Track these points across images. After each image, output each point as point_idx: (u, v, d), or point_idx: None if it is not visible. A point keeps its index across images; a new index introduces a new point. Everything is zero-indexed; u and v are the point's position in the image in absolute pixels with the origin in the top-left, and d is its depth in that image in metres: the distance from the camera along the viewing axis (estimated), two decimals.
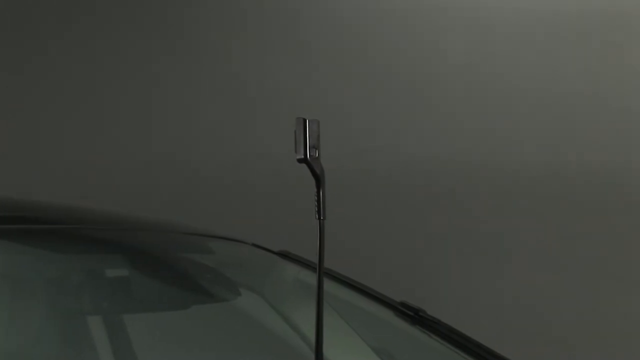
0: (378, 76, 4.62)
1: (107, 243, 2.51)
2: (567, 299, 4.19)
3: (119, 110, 4.72)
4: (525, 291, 4.23)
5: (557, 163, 4.59)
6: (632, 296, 4.18)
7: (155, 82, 4.73)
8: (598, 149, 4.32)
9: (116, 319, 2.46)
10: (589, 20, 4.58)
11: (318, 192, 1.15)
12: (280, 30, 4.62)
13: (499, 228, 4.31)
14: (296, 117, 1.17)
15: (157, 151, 4.68)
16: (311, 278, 2.36)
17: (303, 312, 2.49)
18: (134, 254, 2.53)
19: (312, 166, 1.16)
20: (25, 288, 2.39)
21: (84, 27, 4.70)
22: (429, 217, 4.36)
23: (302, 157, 1.15)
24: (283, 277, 2.65)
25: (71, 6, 4.71)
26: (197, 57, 4.75)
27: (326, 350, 1.22)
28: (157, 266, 2.54)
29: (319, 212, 1.14)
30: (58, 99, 4.69)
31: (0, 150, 4.66)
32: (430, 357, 2.57)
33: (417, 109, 4.65)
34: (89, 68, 4.72)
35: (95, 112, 4.70)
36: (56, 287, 2.39)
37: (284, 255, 2.60)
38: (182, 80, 4.75)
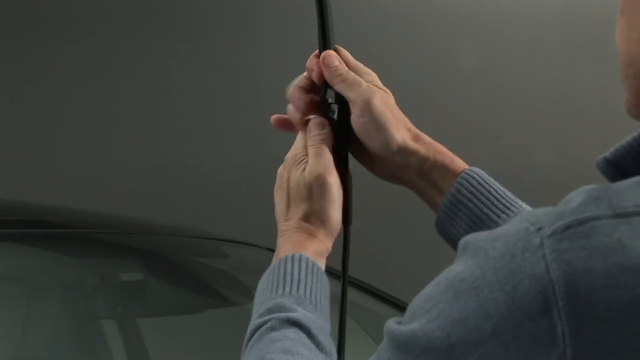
0: (390, 80, 4.62)
1: (124, 247, 2.52)
2: None
3: (131, 115, 4.74)
4: None
5: (570, 166, 4.58)
6: None
7: (167, 86, 4.75)
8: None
9: (131, 322, 2.46)
10: (600, 24, 4.58)
11: (345, 198, 1.14)
12: (292, 33, 4.63)
13: None
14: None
15: (170, 155, 4.69)
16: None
17: None
18: (149, 259, 2.53)
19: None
20: (40, 291, 2.40)
21: (96, 32, 4.72)
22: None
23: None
24: None
25: (83, 13, 4.73)
26: (208, 59, 4.76)
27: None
28: (172, 270, 2.55)
29: (345, 217, 1.13)
30: (70, 105, 4.70)
31: (14, 156, 4.68)
32: None
33: (428, 112, 4.65)
34: (101, 74, 4.73)
35: (108, 117, 4.71)
36: (71, 290, 2.40)
37: None
38: (193, 83, 4.76)
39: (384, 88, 1.16)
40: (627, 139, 0.81)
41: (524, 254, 0.71)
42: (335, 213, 1.10)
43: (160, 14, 4.78)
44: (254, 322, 1.02)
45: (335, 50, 1.16)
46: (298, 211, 1.09)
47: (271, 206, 1.15)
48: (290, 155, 1.14)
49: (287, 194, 1.11)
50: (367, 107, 1.12)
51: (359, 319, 2.46)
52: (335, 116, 1.15)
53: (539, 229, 0.72)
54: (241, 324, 2.65)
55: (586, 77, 4.69)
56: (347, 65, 1.15)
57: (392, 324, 0.78)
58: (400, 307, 2.63)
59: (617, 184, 0.75)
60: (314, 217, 1.09)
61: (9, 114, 4.78)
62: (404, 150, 1.13)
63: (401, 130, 1.14)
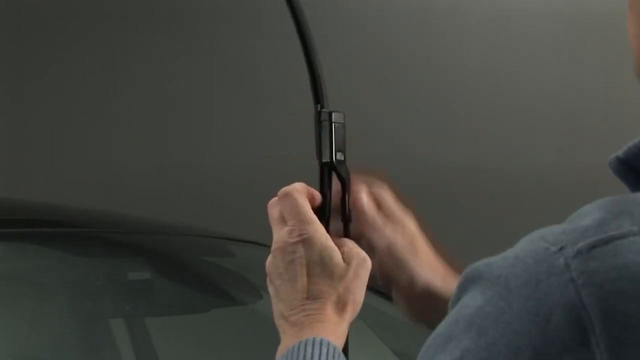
0: (394, 78, 4.62)
1: (131, 246, 2.52)
2: None
3: (134, 114, 4.73)
4: None
5: (571, 166, 4.58)
6: None
7: (168, 85, 4.74)
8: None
9: (139, 322, 2.46)
10: (605, 23, 4.58)
11: (344, 196, 1.13)
12: (295, 34, 4.62)
13: (516, 231, 4.30)
14: (322, 119, 1.14)
15: (172, 155, 4.69)
16: None
17: None
18: (156, 258, 2.53)
19: (338, 170, 1.14)
20: (46, 291, 2.40)
21: (97, 32, 4.71)
22: (443, 220, 4.36)
23: (328, 160, 1.13)
24: None
25: (83, 13, 4.72)
26: (211, 59, 4.75)
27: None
28: (179, 270, 2.55)
29: (344, 215, 1.12)
30: (70, 105, 4.69)
31: (14, 156, 4.67)
32: None
33: (431, 111, 4.65)
34: (102, 73, 4.72)
35: (110, 116, 4.71)
36: (78, 290, 2.40)
37: None
38: (196, 83, 4.76)
39: (413, 229, 1.14)
40: None
41: (549, 279, 0.66)
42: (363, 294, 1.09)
43: (161, 14, 4.77)
44: None
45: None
46: (324, 290, 1.06)
47: None
48: (315, 234, 1.09)
49: (306, 272, 1.05)
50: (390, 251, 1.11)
51: (363, 317, 2.46)
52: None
53: (561, 248, 0.67)
54: (248, 324, 2.65)
55: (589, 77, 4.69)
56: (380, 206, 1.13)
57: None
58: None
59: (635, 195, 0.72)
60: (345, 295, 1.06)
61: (9, 114, 4.77)
62: (427, 291, 1.11)
63: (425, 268, 1.12)
